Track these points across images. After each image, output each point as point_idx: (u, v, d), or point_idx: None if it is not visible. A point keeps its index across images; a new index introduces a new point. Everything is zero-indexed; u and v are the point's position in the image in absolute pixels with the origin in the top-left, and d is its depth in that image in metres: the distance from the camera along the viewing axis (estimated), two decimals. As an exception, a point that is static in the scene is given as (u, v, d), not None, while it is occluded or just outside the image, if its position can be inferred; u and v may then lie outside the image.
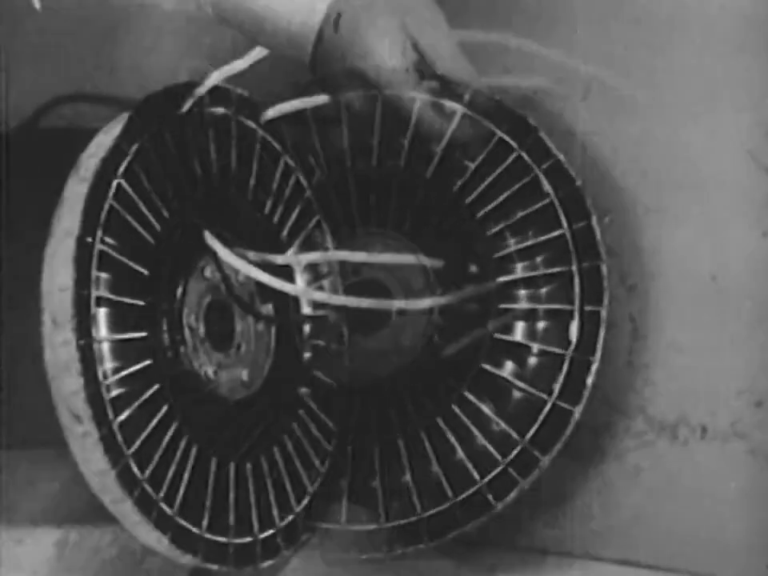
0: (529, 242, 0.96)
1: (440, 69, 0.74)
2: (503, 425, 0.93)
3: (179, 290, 0.95)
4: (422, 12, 0.73)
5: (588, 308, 0.93)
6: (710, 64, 1.01)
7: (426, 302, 1.01)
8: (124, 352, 0.89)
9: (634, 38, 1.03)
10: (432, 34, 0.74)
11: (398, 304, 0.99)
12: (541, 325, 0.95)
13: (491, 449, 0.92)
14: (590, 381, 0.91)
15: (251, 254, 0.99)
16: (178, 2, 0.76)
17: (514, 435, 0.92)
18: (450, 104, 0.78)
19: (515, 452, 0.92)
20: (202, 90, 0.96)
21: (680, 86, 1.03)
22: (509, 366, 0.96)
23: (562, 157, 0.93)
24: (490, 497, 0.92)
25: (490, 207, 0.96)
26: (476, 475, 0.93)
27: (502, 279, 0.96)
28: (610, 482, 1.00)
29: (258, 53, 0.97)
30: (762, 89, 0.96)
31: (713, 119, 1.00)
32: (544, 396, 0.93)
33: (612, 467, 1.00)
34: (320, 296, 1.03)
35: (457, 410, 0.95)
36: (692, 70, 1.01)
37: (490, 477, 0.92)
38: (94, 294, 0.88)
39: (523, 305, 0.95)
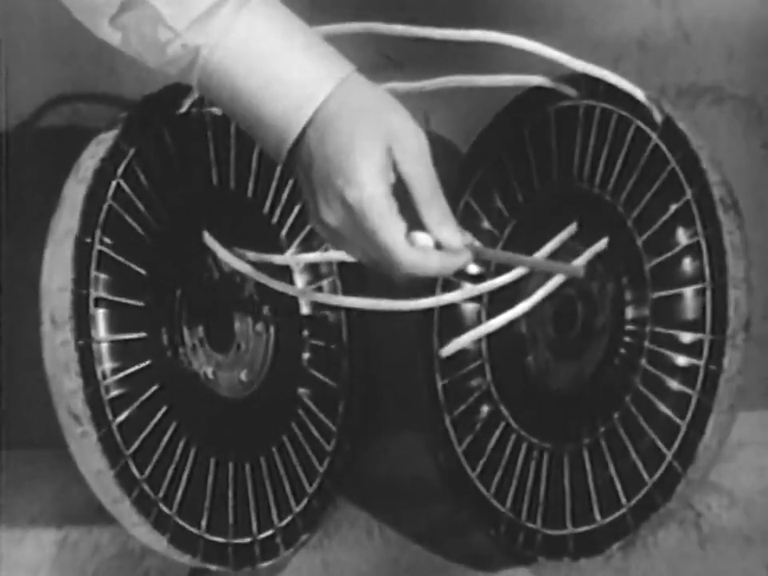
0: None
1: (417, 201, 0.75)
2: (671, 415, 0.88)
3: (178, 291, 0.95)
4: (408, 141, 0.74)
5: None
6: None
7: (426, 303, 1.01)
8: (123, 352, 0.89)
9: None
10: (415, 163, 0.75)
11: (397, 305, 0.99)
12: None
13: (661, 445, 0.88)
14: None
15: (250, 254, 0.99)
16: (158, 63, 0.76)
17: (678, 421, 0.88)
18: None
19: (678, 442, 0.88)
20: (201, 89, 0.96)
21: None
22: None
23: None
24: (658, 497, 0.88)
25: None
26: (646, 476, 0.89)
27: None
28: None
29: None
30: None
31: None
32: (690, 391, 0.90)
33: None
34: (319, 296, 1.03)
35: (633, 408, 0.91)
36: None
37: (657, 475, 0.88)
38: (93, 294, 0.88)
39: None
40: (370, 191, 0.72)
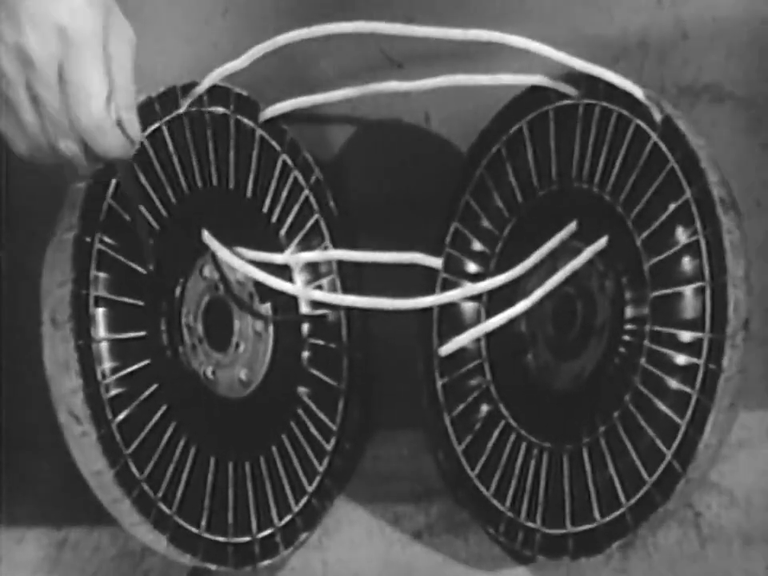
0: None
1: (114, 80, 0.75)
2: (671, 414, 0.88)
3: (178, 290, 0.95)
4: (123, 25, 0.75)
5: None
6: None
7: (426, 302, 1.01)
8: (122, 352, 0.89)
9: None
10: (125, 45, 0.75)
11: (397, 304, 0.99)
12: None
13: (660, 444, 0.88)
14: None
15: (250, 253, 0.99)
16: None
17: (678, 420, 0.87)
18: None
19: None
20: (201, 89, 0.96)
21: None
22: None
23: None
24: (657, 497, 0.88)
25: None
26: (645, 475, 0.88)
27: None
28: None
29: (257, 52, 0.97)
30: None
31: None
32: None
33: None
34: (319, 295, 1.03)
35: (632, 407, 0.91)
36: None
37: (657, 474, 0.88)
38: (93, 293, 0.88)
39: None
40: (95, 27, 0.73)
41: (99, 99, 0.75)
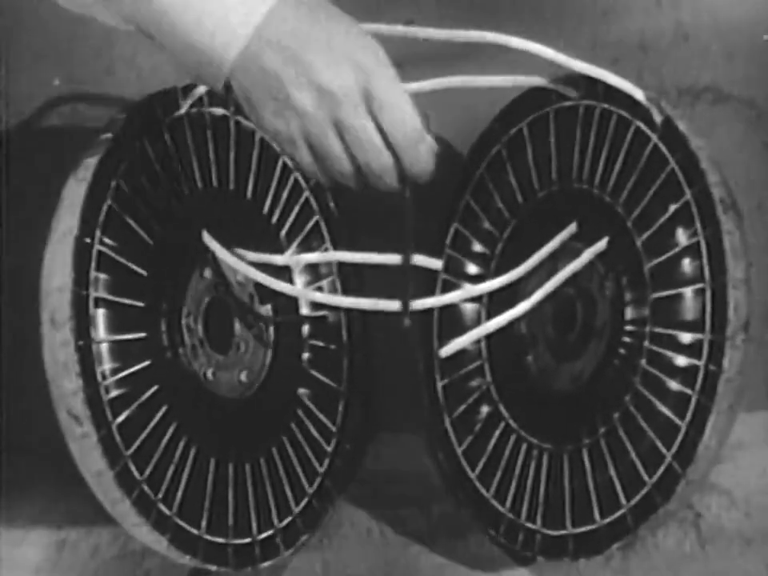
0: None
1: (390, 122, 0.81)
2: (671, 415, 0.88)
3: (178, 291, 0.95)
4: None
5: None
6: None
7: (426, 303, 1.01)
8: (123, 353, 0.89)
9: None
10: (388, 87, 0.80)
11: (397, 305, 0.99)
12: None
13: (660, 445, 0.88)
14: None
15: (250, 255, 0.99)
16: (108, 18, 0.79)
17: (678, 421, 0.87)
18: None
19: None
20: (201, 90, 0.96)
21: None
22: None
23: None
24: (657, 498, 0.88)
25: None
26: (645, 476, 0.88)
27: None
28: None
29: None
30: None
31: None
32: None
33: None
34: (319, 297, 1.03)
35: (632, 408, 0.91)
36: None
37: (657, 475, 0.87)
38: (93, 294, 0.88)
39: None
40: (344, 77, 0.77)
41: (411, 110, 0.82)
